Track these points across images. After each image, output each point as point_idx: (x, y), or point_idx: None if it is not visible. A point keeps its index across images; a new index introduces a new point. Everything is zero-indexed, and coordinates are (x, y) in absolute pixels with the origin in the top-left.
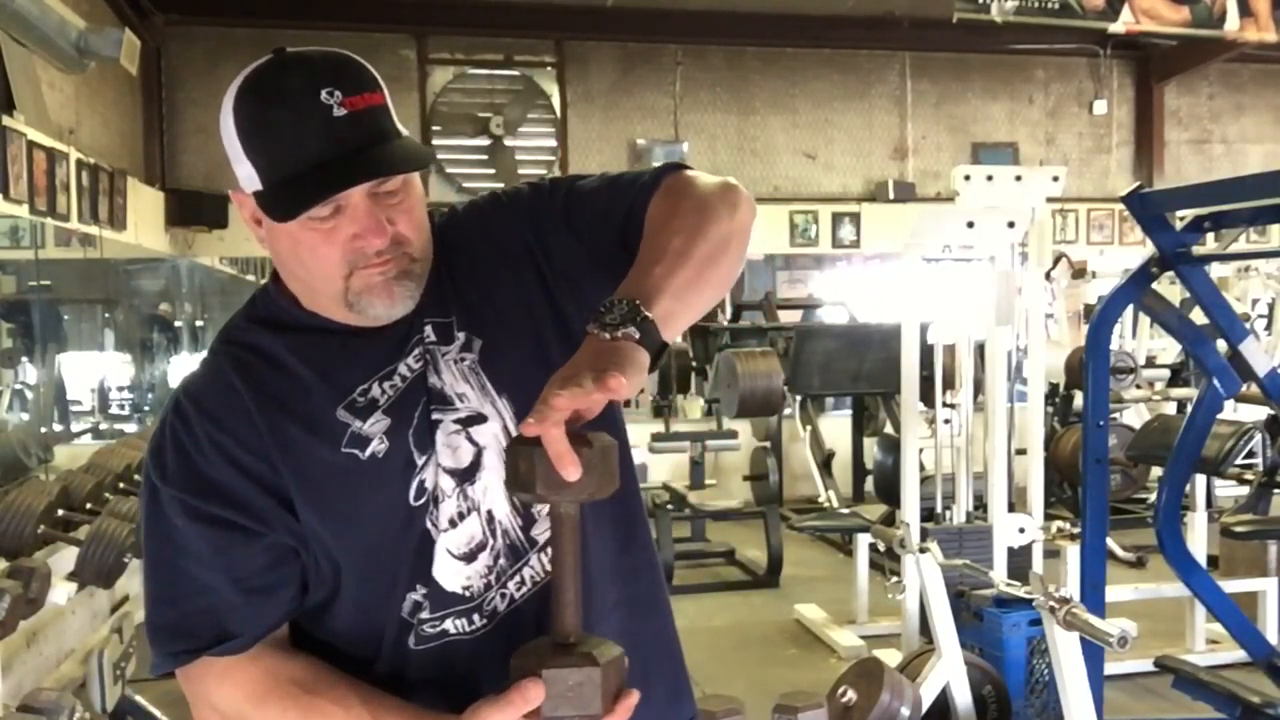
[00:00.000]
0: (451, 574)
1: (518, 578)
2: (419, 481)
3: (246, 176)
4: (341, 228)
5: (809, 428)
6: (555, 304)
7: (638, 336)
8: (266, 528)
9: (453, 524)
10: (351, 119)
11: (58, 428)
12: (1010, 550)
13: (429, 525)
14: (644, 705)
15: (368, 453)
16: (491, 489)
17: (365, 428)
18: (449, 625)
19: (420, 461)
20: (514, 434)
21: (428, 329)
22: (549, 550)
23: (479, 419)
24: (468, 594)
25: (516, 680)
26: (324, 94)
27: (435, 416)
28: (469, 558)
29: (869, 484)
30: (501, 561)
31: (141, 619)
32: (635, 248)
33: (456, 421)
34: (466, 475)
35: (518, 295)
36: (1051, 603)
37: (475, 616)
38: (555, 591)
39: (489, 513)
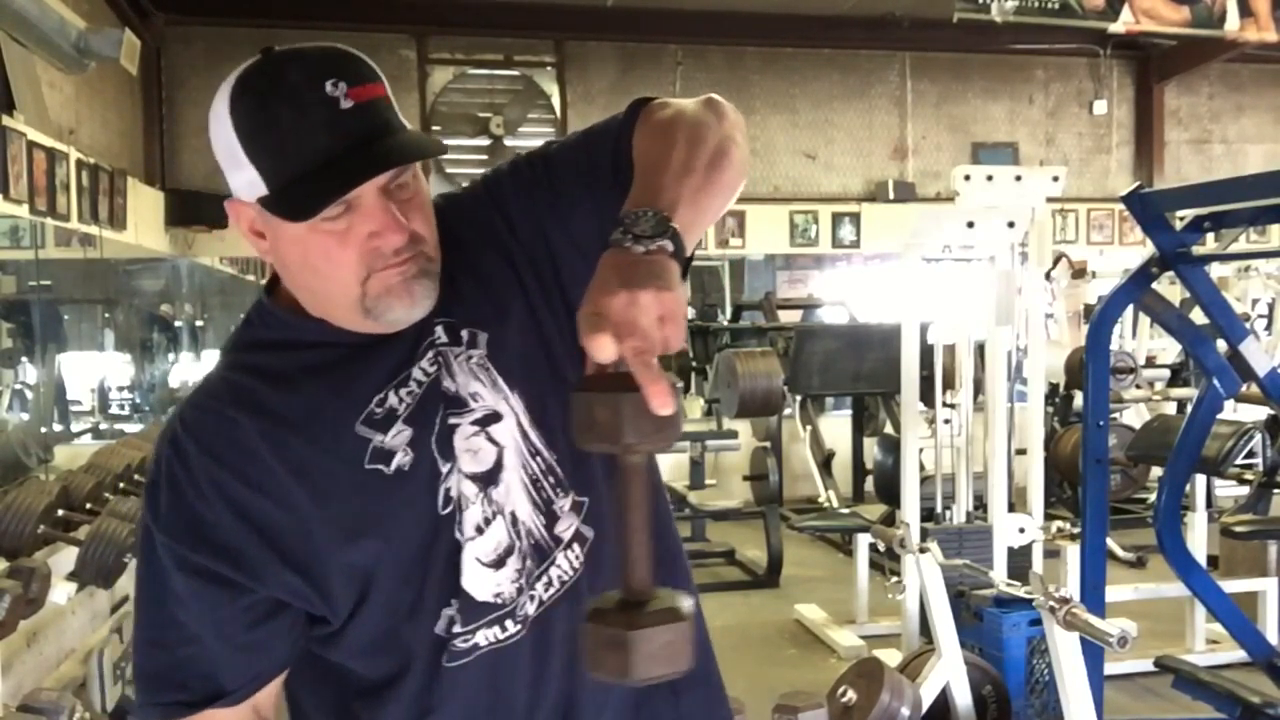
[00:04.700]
0: (481, 583)
1: (545, 579)
2: (444, 490)
3: (248, 182)
4: (356, 227)
5: (809, 428)
6: (545, 284)
7: (671, 249)
8: (257, 582)
9: (479, 530)
10: (358, 110)
11: (58, 428)
12: (1010, 550)
13: (456, 534)
14: (673, 708)
15: (393, 467)
16: (513, 489)
17: (387, 441)
18: (480, 638)
19: (444, 469)
20: (526, 429)
21: (438, 329)
22: (573, 547)
23: (495, 417)
24: (500, 601)
25: (594, 642)
26: (329, 86)
27: (452, 421)
28: (498, 564)
29: (869, 484)
30: (528, 564)
31: None
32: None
33: (474, 423)
34: (489, 478)
35: (509, 284)
36: (1051, 603)
37: (509, 623)
38: (626, 547)
39: (512, 514)
